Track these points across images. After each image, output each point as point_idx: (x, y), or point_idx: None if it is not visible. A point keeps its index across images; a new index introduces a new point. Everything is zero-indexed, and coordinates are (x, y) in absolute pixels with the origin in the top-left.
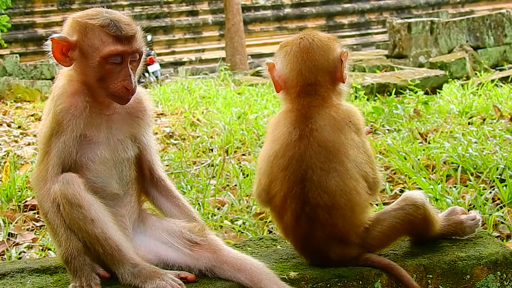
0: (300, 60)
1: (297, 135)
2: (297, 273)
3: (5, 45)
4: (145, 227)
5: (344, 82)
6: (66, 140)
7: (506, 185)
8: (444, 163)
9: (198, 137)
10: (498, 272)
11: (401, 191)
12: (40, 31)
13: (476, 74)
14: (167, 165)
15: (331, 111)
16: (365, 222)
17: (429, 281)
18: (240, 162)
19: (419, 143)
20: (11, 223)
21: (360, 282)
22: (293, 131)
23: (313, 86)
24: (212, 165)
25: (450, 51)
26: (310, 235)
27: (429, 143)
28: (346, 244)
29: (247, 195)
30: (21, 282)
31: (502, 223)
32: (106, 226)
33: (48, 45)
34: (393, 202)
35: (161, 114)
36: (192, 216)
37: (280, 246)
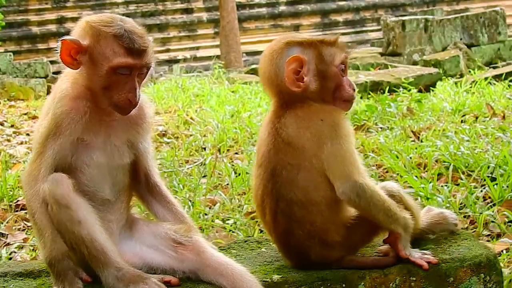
0: (261, 66)
1: (266, 133)
2: (281, 276)
3: None
4: (132, 231)
5: (299, 88)
6: (62, 143)
7: (496, 184)
8: (436, 161)
9: (191, 135)
10: (482, 274)
11: None
12: (35, 29)
13: (469, 72)
14: (159, 164)
15: (298, 111)
16: (346, 221)
17: (412, 284)
18: (232, 161)
19: (412, 141)
20: (2, 223)
21: (344, 285)
22: (265, 129)
23: (278, 89)
24: (205, 164)
25: (444, 49)
26: (289, 234)
27: (421, 141)
28: (327, 244)
29: (238, 194)
30: (4, 286)
31: (493, 222)
32: (93, 229)
33: (57, 46)
34: None
35: (155, 112)
36: (185, 222)
37: (265, 249)
